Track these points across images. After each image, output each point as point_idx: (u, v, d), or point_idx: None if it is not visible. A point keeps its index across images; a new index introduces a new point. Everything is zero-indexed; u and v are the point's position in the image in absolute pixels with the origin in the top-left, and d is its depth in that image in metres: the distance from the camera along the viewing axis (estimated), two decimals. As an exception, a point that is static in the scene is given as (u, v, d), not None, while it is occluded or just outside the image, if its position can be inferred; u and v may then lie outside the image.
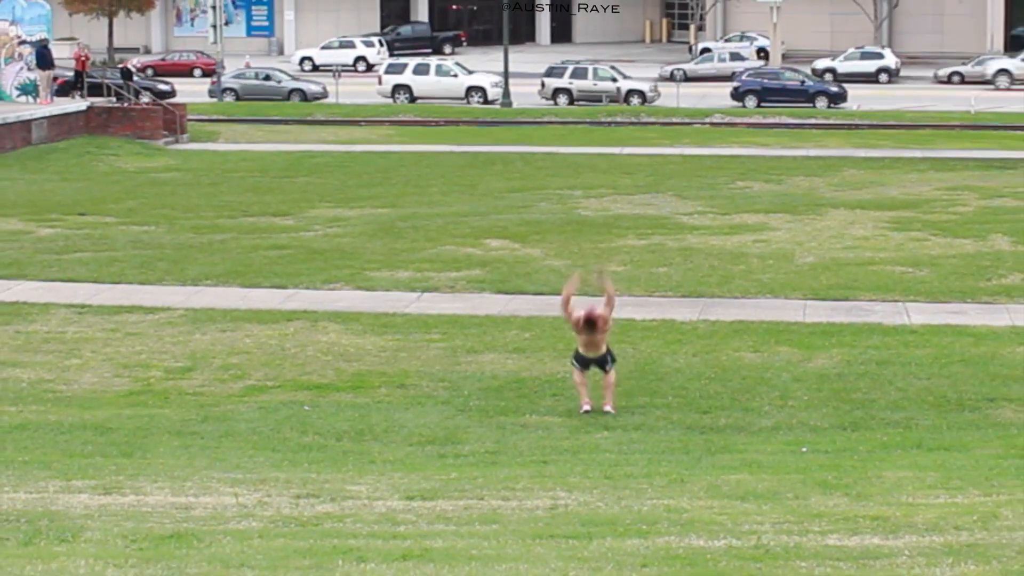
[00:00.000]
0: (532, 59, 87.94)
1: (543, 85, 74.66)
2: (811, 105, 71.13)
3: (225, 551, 10.11)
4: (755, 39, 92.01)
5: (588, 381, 20.77)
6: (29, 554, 10.05)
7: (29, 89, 56.43)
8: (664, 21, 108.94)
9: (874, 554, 10.11)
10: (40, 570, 9.27)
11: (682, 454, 17.28)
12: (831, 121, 66.49)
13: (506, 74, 73.25)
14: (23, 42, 56.74)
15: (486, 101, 73.70)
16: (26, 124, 52.65)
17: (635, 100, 72.45)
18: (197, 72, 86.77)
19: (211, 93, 74.84)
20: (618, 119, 66.68)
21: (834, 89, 73.40)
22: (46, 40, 57.17)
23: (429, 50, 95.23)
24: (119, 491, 13.38)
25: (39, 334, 26.14)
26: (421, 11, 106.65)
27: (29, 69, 56.60)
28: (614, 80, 74.32)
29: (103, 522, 11.52)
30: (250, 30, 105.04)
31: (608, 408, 20.39)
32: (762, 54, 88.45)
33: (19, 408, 20.84)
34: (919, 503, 12.29)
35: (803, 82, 73.94)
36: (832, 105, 71.31)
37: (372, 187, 45.66)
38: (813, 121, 66.23)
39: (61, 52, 66.39)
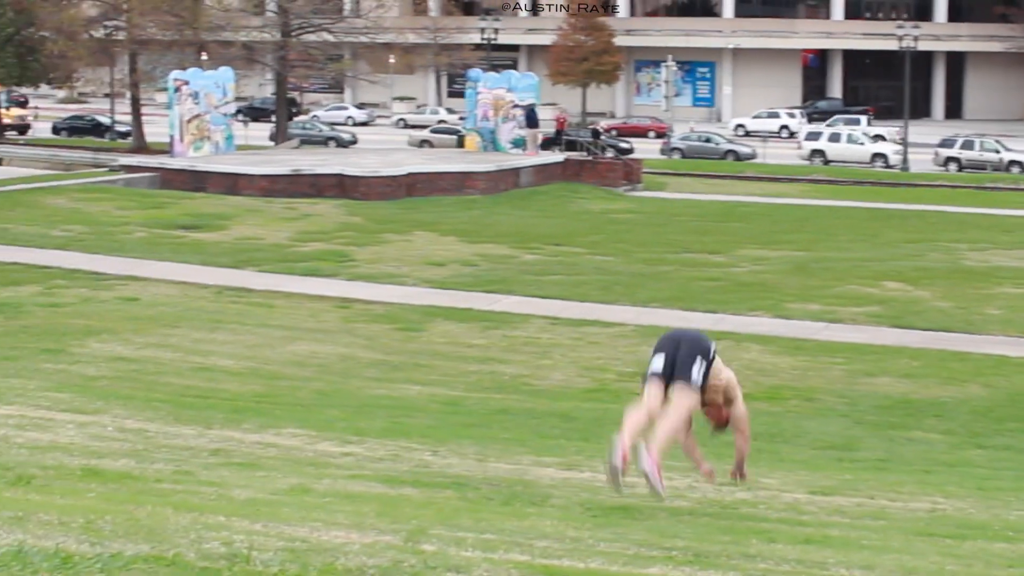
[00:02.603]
0: (927, 131, 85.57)
1: (936, 154, 72.69)
2: None
3: (660, 524, 10.16)
4: None
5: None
6: (507, 512, 10.29)
7: (519, 143, 58.05)
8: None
9: None
10: (516, 525, 9.49)
11: (1046, 473, 16.57)
12: None
13: (905, 143, 71.64)
14: (516, 106, 58.41)
15: (887, 166, 72.20)
16: (516, 171, 54.10)
17: (1015, 169, 69.81)
18: (651, 134, 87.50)
19: (662, 151, 75.45)
20: (1000, 185, 64.33)
21: None
22: (533, 104, 58.73)
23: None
24: (578, 468, 13.56)
25: (520, 338, 26.78)
26: (835, 89, 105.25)
27: (520, 127, 58.23)
28: (997, 152, 71.79)
29: (565, 492, 11.71)
30: (695, 101, 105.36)
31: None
32: None
33: (503, 396, 21.38)
34: None
35: None
36: None
37: (790, 233, 45.24)
38: None
39: (545, 114, 67.97)
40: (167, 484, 10.05)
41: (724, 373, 11.29)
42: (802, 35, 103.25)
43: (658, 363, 10.71)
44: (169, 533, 6.23)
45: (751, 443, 12.06)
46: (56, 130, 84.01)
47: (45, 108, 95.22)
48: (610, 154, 63.12)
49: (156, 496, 9.00)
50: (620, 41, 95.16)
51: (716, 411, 11.49)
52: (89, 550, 5.42)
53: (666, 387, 10.69)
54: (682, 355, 10.71)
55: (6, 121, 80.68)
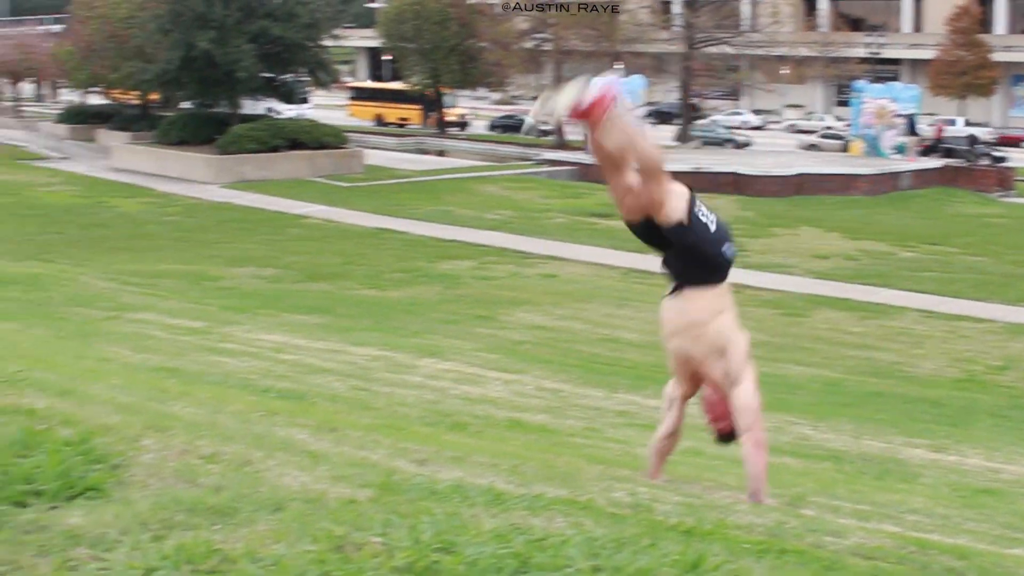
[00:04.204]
0: None
1: None
2: None
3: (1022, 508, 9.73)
4: None
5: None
6: (880, 486, 10.10)
7: (900, 149, 56.37)
8: None
9: None
10: (887, 499, 9.29)
11: None
12: None
13: None
14: (898, 115, 56.78)
15: None
16: (895, 175, 52.58)
17: None
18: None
19: (1038, 161, 71.66)
20: None
21: None
22: (914, 114, 56.95)
23: None
24: (946, 451, 13.19)
25: (895, 328, 26.14)
26: None
27: (901, 135, 56.54)
28: None
29: (933, 472, 11.40)
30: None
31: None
32: None
33: (878, 380, 20.90)
34: None
35: None
36: None
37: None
38: None
39: (924, 124, 65.68)
40: (578, 438, 10.30)
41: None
42: None
43: None
44: (582, 481, 6.39)
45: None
46: (492, 127, 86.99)
47: (482, 108, 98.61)
48: (984, 162, 60.38)
49: (569, 448, 9.24)
50: (998, 56, 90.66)
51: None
52: (516, 490, 5.61)
53: None
54: None
55: (449, 118, 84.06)
